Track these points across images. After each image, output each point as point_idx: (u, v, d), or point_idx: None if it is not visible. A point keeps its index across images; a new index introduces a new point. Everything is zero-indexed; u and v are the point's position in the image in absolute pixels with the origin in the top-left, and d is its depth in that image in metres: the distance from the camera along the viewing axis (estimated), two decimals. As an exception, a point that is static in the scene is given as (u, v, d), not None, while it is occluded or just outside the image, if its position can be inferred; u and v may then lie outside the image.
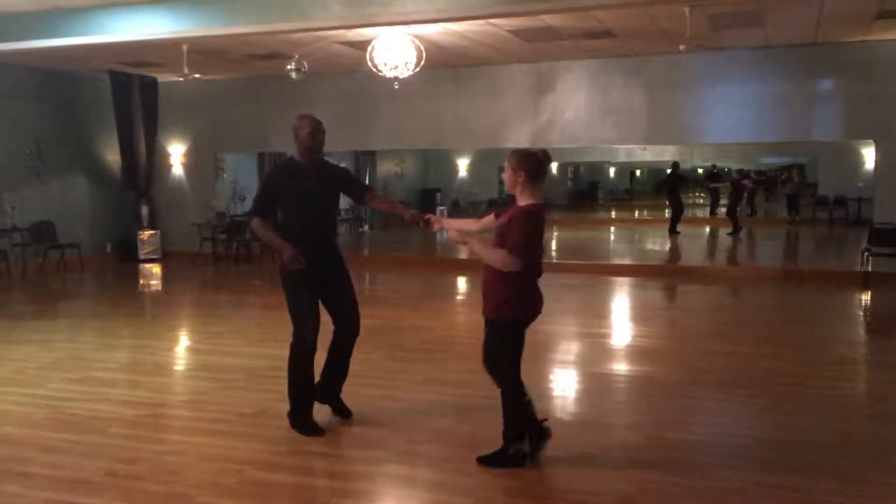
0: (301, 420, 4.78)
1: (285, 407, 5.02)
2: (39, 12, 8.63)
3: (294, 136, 4.77)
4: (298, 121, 4.79)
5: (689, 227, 19.71)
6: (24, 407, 5.38)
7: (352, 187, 5.07)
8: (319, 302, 4.77)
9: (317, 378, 4.92)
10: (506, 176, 4.17)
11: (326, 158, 5.00)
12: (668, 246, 17.06)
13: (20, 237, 12.86)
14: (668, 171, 19.89)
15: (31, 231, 13.09)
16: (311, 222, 4.77)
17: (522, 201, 4.13)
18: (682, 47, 8.98)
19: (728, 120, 12.15)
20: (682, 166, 21.56)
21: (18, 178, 13.04)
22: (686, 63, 11.95)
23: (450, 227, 4.62)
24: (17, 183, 13.00)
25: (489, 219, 4.43)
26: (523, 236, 4.01)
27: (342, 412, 5.00)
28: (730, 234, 18.62)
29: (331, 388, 5.01)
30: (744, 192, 19.48)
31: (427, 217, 4.76)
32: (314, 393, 4.88)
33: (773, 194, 36.28)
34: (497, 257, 4.08)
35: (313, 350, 4.72)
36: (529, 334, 7.69)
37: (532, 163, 4.11)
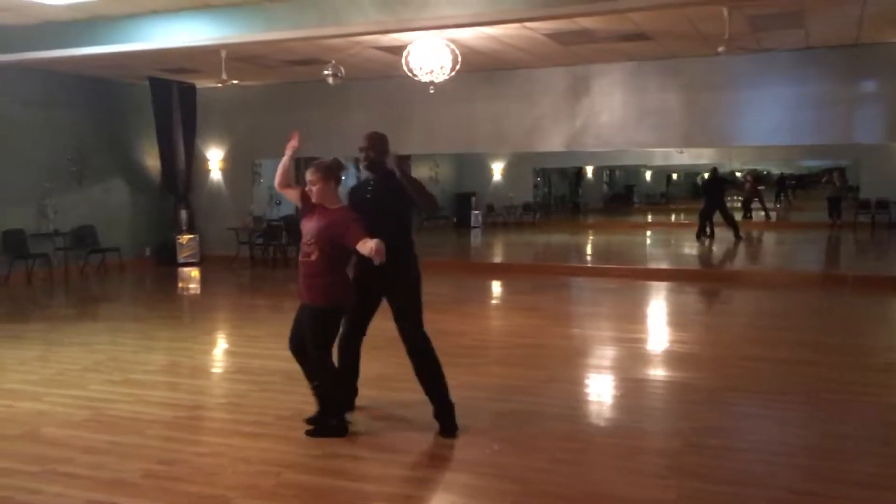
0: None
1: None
2: (82, 20, 8.80)
3: None
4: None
5: (721, 231, 19.42)
6: (66, 408, 5.48)
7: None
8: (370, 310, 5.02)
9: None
10: (316, 188, 4.62)
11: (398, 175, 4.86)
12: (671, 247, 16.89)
13: (62, 241, 13.11)
14: (708, 175, 19.53)
15: (73, 235, 13.34)
16: (374, 234, 4.74)
17: (334, 205, 4.67)
18: (720, 49, 8.85)
19: (768, 122, 11.96)
20: (720, 170, 21.11)
21: (61, 184, 13.30)
22: (724, 65, 11.78)
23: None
24: (60, 188, 13.26)
25: (296, 191, 4.90)
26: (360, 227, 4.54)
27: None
28: (708, 236, 18.44)
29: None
30: (721, 197, 19.01)
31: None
32: (344, 378, 5.09)
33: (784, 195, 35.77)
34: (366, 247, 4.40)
35: (342, 340, 4.99)
36: (564, 339, 7.64)
37: (339, 172, 4.71)
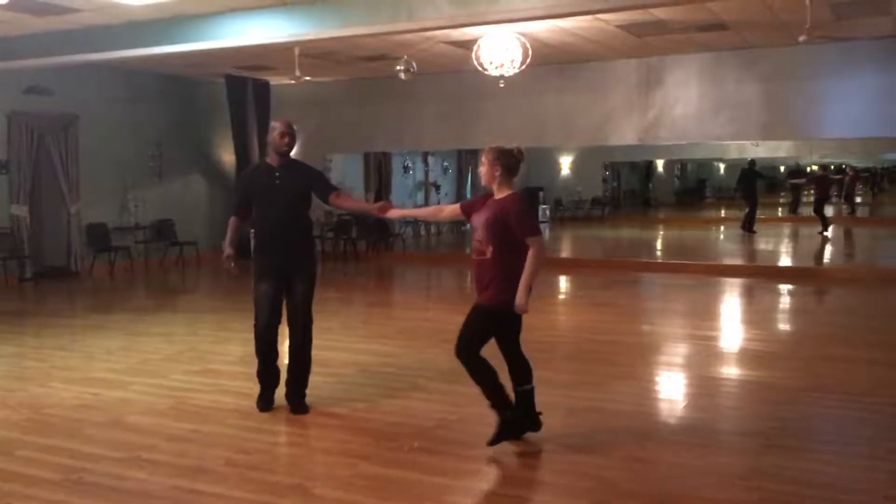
0: (260, 395, 5.27)
1: (395, 402, 5.12)
2: (164, 19, 9.04)
3: (269, 136, 5.18)
4: (273, 122, 5.22)
5: (771, 227, 18.95)
6: (149, 396, 5.65)
7: (318, 187, 5.29)
8: (282, 294, 5.16)
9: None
10: (483, 170, 4.43)
11: (299, 160, 5.39)
12: (745, 243, 16.71)
13: (143, 234, 13.56)
14: (745, 167, 18.99)
15: (153, 229, 13.78)
16: (276, 220, 5.09)
17: (501, 194, 4.39)
18: (801, 38, 8.54)
19: (850, 114, 11.52)
20: (800, 162, 20.50)
21: (142, 179, 13.76)
22: (805, 54, 11.39)
23: (397, 215, 5.27)
24: (141, 183, 13.71)
25: (453, 209, 4.81)
26: (531, 217, 4.34)
27: (297, 410, 5.21)
28: (819, 232, 17.80)
29: (289, 388, 5.28)
30: (829, 187, 18.42)
31: (383, 204, 5.16)
32: (271, 377, 5.27)
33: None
34: (534, 258, 4.23)
35: (266, 334, 5.15)
36: (636, 336, 7.54)
37: (509, 158, 4.43)
